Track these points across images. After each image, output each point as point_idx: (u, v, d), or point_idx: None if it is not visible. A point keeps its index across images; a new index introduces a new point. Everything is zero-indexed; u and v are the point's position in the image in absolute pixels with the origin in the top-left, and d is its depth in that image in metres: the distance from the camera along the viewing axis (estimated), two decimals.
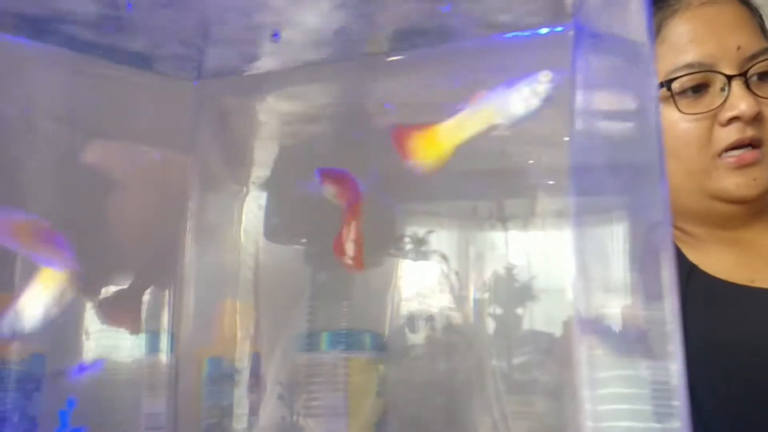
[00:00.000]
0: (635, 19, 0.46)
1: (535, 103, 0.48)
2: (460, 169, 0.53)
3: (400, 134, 0.52)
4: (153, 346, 0.61)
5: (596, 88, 0.49)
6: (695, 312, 0.66)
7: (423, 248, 0.54)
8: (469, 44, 0.56)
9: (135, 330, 0.60)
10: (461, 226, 0.54)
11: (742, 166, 0.71)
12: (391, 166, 0.52)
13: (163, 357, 0.60)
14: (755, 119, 0.71)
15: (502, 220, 0.51)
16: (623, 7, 0.47)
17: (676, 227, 0.77)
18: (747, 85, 0.71)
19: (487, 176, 0.53)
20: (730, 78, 0.71)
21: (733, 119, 0.71)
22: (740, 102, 0.70)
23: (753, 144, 0.71)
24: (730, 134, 0.71)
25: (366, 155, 0.58)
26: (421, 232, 0.54)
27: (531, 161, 0.50)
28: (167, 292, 0.62)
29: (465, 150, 0.50)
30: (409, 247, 0.55)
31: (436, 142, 0.50)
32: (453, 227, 0.54)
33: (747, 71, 0.71)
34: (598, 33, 0.49)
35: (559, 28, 0.52)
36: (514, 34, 0.54)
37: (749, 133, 0.71)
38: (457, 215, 0.54)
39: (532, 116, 0.48)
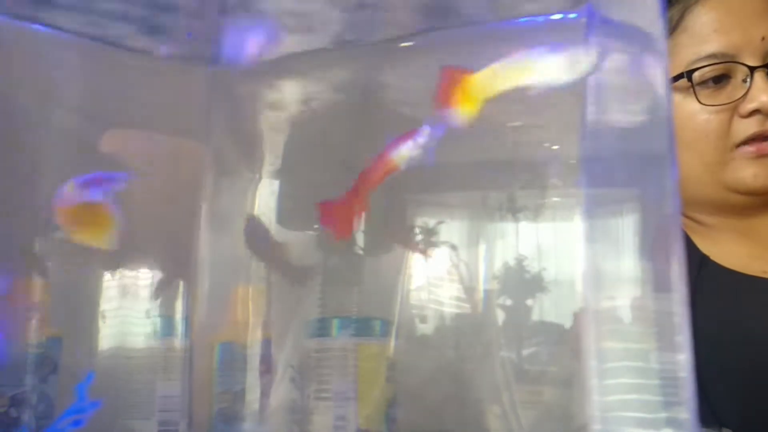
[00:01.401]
0: (649, 7, 0.47)
1: (571, 74, 0.48)
2: (471, 159, 0.54)
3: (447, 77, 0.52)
4: (168, 331, 0.62)
5: (608, 76, 0.50)
6: (706, 303, 0.67)
7: (433, 238, 0.55)
8: (481, 30, 0.56)
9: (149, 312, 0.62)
10: (471, 216, 0.55)
11: (760, 156, 0.71)
12: None
13: (178, 342, 0.62)
14: None
15: (513, 211, 0.52)
16: None
17: (688, 217, 0.77)
18: None
19: (498, 167, 0.54)
20: (752, 69, 0.71)
21: (755, 112, 0.70)
22: (762, 94, 0.70)
23: None
24: (749, 126, 0.71)
25: (380, 142, 0.59)
26: (431, 222, 0.55)
27: (542, 152, 0.51)
28: (182, 277, 0.64)
29: (476, 140, 0.51)
30: (419, 236, 0.56)
31: (469, 92, 0.51)
32: (463, 218, 0.55)
33: None
34: (611, 20, 0.50)
35: (572, 15, 0.53)
36: (527, 19, 0.54)
37: None
38: (468, 206, 0.55)
39: (565, 87, 0.49)
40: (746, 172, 0.72)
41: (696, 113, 0.72)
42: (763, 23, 0.72)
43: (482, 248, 0.53)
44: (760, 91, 0.70)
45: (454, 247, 0.54)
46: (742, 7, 0.74)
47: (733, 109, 0.72)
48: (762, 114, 0.70)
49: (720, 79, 0.72)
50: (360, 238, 0.58)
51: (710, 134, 0.72)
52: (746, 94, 0.71)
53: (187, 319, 0.62)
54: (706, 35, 0.73)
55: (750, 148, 0.71)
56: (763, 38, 0.71)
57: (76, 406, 0.53)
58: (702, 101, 0.72)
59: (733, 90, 0.72)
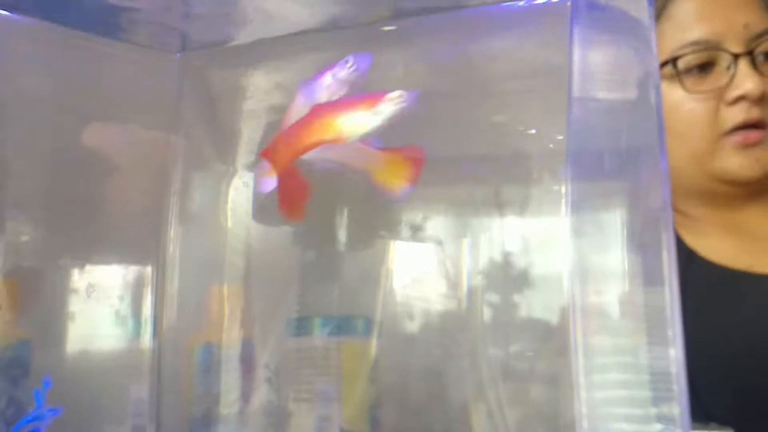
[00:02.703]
0: None
1: (339, 90, 0.48)
2: (456, 153, 0.54)
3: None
4: (136, 331, 0.61)
5: (594, 63, 0.50)
6: (693, 299, 0.68)
7: (418, 234, 0.55)
8: (464, 14, 0.56)
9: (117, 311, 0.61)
10: (457, 211, 0.55)
11: (747, 146, 0.72)
12: (389, 144, 0.52)
13: (147, 342, 0.61)
14: (761, 99, 0.71)
15: (498, 205, 0.52)
16: None
17: (676, 210, 0.78)
18: (754, 64, 0.72)
19: (484, 161, 0.54)
20: (736, 56, 0.72)
21: (740, 98, 0.71)
22: (747, 81, 0.71)
23: (758, 125, 0.72)
24: (736, 114, 0.72)
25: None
26: (416, 217, 0.55)
27: (527, 145, 0.51)
28: (150, 274, 0.63)
29: (460, 134, 0.51)
30: (403, 232, 0.56)
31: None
32: (448, 213, 0.55)
33: (754, 49, 0.72)
34: (598, 5, 0.50)
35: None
36: (510, 3, 0.54)
37: (755, 113, 0.72)
38: (453, 200, 0.55)
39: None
40: (733, 162, 0.73)
41: (682, 101, 0.73)
42: (745, 10, 0.74)
43: (467, 243, 0.53)
44: (744, 77, 0.71)
45: (438, 242, 0.54)
46: None
47: (718, 96, 0.73)
48: (747, 101, 0.71)
49: (704, 67, 0.73)
50: (341, 233, 0.58)
51: (697, 122, 0.73)
52: (731, 81, 0.72)
53: (156, 319, 0.62)
54: (689, 23, 0.74)
55: (736, 138, 0.72)
56: (745, 25, 0.73)
57: (33, 414, 0.52)
58: (687, 88, 0.73)
59: (717, 77, 0.73)
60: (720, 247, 0.75)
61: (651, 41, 0.47)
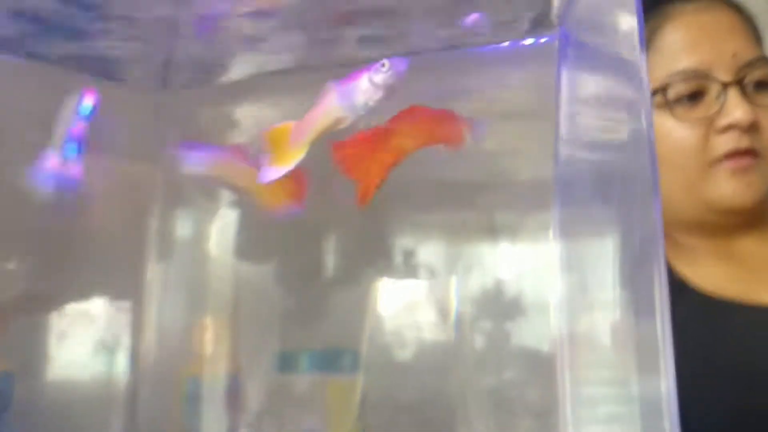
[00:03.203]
0: (625, 29, 0.48)
1: (375, 94, 0.47)
2: (449, 180, 0.54)
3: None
4: (114, 365, 0.61)
5: (584, 99, 0.51)
6: (685, 328, 0.68)
7: (409, 261, 0.55)
8: (451, 56, 0.57)
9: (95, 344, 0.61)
10: (449, 239, 0.55)
11: (737, 173, 0.73)
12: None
13: (126, 376, 0.61)
14: (751, 127, 0.73)
15: (491, 233, 0.52)
16: (612, 16, 0.49)
17: (666, 238, 0.79)
18: (743, 93, 0.73)
19: (477, 189, 0.54)
20: (726, 85, 0.73)
21: (730, 127, 0.73)
22: (736, 109, 0.72)
23: (749, 152, 0.73)
24: (726, 142, 0.73)
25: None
26: (407, 244, 0.55)
27: (520, 173, 0.52)
28: (129, 308, 0.63)
29: (453, 161, 0.52)
30: (394, 260, 0.56)
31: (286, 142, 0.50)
32: (441, 240, 0.56)
33: (743, 78, 0.74)
34: (586, 44, 0.51)
35: (543, 39, 0.54)
36: (498, 45, 0.56)
37: (745, 142, 0.73)
38: (446, 228, 0.55)
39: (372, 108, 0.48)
40: (725, 188, 0.74)
41: (673, 130, 0.75)
42: (733, 40, 0.76)
43: (459, 272, 0.54)
44: (734, 106, 0.73)
45: (430, 271, 0.54)
46: (711, 24, 0.77)
47: (709, 124, 0.74)
48: (737, 129, 0.73)
49: (695, 96, 0.75)
50: (327, 266, 0.58)
51: (688, 150, 0.74)
52: (721, 109, 0.73)
53: (134, 352, 0.61)
54: (678, 52, 0.76)
55: (728, 164, 0.73)
56: (734, 54, 0.74)
57: None
58: (678, 117, 0.74)
59: (707, 106, 0.74)
60: (711, 275, 0.75)
61: (642, 75, 0.48)
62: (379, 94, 0.46)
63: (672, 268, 0.75)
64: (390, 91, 0.46)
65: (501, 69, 0.56)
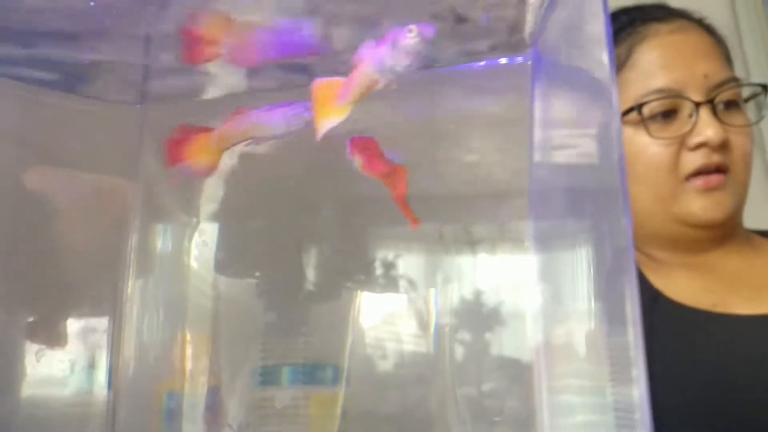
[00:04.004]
0: (596, 49, 0.50)
1: (404, 59, 0.48)
2: (427, 193, 0.56)
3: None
4: (92, 381, 0.61)
5: (556, 116, 0.53)
6: (660, 338, 0.71)
7: (389, 273, 0.57)
8: (426, 74, 0.59)
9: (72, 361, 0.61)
10: (428, 250, 0.57)
11: (708, 190, 0.77)
12: (354, 192, 0.54)
13: (103, 392, 0.61)
14: (723, 146, 0.76)
15: (469, 245, 0.54)
16: (583, 37, 0.51)
17: (641, 252, 0.82)
18: (714, 113, 0.77)
19: (454, 202, 0.56)
20: (698, 105, 0.77)
21: (701, 145, 0.76)
22: (707, 128, 0.76)
23: (719, 169, 0.77)
24: (696, 159, 0.76)
25: (326, 182, 0.60)
26: (387, 257, 0.57)
27: (497, 186, 0.53)
28: (107, 324, 0.63)
29: (431, 174, 0.53)
30: (374, 273, 0.57)
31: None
32: (420, 252, 0.57)
33: (714, 98, 0.77)
34: (558, 63, 0.53)
35: (518, 58, 0.56)
36: (472, 63, 0.58)
37: (715, 158, 0.76)
38: (424, 240, 0.57)
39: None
40: (695, 205, 0.77)
41: (646, 146, 0.78)
42: (705, 61, 0.79)
43: (438, 283, 0.55)
44: (705, 125, 0.76)
45: (410, 282, 0.56)
46: (684, 45, 0.80)
47: (681, 142, 0.77)
48: (708, 147, 0.76)
49: (668, 114, 0.78)
50: (308, 280, 0.59)
51: (660, 167, 0.77)
52: (692, 128, 0.76)
53: (111, 368, 0.62)
54: (652, 71, 0.79)
55: (698, 182, 0.77)
56: (705, 75, 0.78)
57: None
58: (652, 134, 0.77)
59: (680, 124, 0.78)
60: (685, 287, 0.78)
61: (611, 92, 0.50)
62: (406, 60, 0.47)
63: (647, 280, 0.77)
64: (417, 56, 0.47)
65: (476, 87, 0.58)
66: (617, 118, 0.50)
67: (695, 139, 0.77)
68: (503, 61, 0.57)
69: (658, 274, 0.79)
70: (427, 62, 0.58)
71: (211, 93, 0.66)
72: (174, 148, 0.56)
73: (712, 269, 0.80)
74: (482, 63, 0.57)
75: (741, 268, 0.81)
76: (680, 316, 0.75)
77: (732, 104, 0.79)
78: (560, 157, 0.52)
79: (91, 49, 0.60)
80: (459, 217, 0.55)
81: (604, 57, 0.50)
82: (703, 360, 0.72)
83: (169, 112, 0.68)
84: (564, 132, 0.52)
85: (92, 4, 0.53)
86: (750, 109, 0.81)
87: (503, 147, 0.55)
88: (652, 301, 0.75)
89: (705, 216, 0.77)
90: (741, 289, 0.78)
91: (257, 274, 0.62)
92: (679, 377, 0.70)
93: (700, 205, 0.77)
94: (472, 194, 0.56)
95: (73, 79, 0.63)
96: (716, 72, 0.79)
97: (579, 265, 0.49)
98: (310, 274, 0.61)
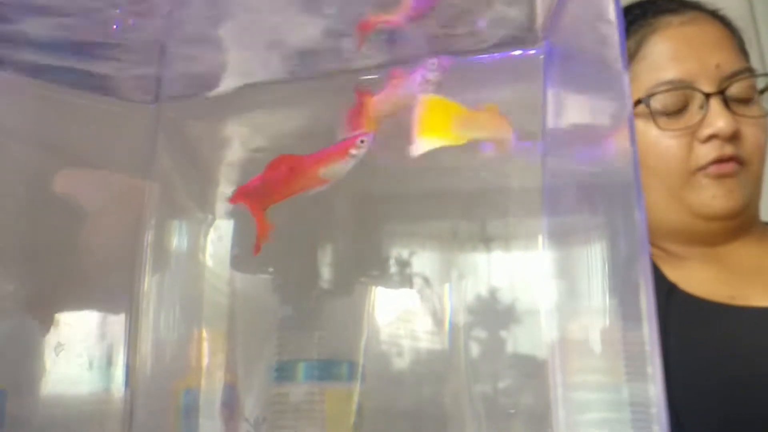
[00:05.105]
0: (607, 42, 0.51)
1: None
2: (441, 190, 0.57)
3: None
4: (109, 378, 0.63)
5: (568, 109, 0.53)
6: (675, 332, 0.71)
7: (404, 271, 0.57)
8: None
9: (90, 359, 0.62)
10: (441, 247, 0.57)
11: (720, 177, 0.76)
12: (369, 188, 0.55)
13: (120, 389, 0.62)
14: (733, 137, 0.76)
15: (483, 242, 0.54)
16: (595, 30, 0.51)
17: (655, 246, 0.82)
18: (725, 103, 0.76)
19: (469, 198, 0.57)
20: (708, 96, 0.76)
21: (712, 136, 0.76)
22: (718, 120, 0.75)
23: (732, 160, 0.76)
24: (709, 151, 0.76)
25: (342, 178, 0.61)
26: (401, 254, 0.58)
27: (512, 183, 0.54)
28: (124, 321, 0.64)
29: (446, 171, 0.54)
30: (388, 270, 0.58)
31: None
32: (434, 248, 0.58)
33: (725, 89, 0.77)
34: (571, 55, 0.54)
35: (531, 51, 0.56)
36: (486, 55, 0.58)
37: (728, 150, 0.76)
38: (438, 237, 0.57)
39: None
40: (706, 194, 0.77)
41: (657, 139, 0.78)
42: (717, 52, 0.79)
43: (453, 280, 0.56)
44: (716, 116, 0.76)
45: (425, 280, 0.56)
46: (696, 36, 0.80)
47: (692, 134, 0.77)
48: (719, 139, 0.75)
49: (678, 106, 0.77)
50: (323, 276, 0.60)
51: (672, 159, 0.77)
52: (703, 119, 0.76)
53: (128, 366, 0.63)
54: (663, 63, 0.79)
55: (711, 169, 0.76)
56: (717, 66, 0.77)
57: None
58: (662, 127, 0.77)
59: (691, 116, 0.77)
60: (700, 280, 0.78)
61: (624, 85, 0.50)
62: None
63: (662, 274, 0.77)
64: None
65: (489, 80, 0.59)
66: (629, 110, 0.51)
67: (706, 131, 0.76)
68: (516, 53, 0.57)
69: (673, 267, 0.79)
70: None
71: (224, 87, 0.66)
72: (354, 117, 0.56)
73: (729, 262, 0.80)
74: (495, 55, 0.57)
75: (758, 260, 0.80)
76: (696, 310, 0.75)
77: (746, 95, 0.79)
78: (572, 150, 0.52)
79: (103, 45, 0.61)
80: (472, 212, 0.56)
81: (617, 49, 0.50)
82: (719, 353, 0.72)
83: (184, 109, 0.69)
84: (576, 125, 0.53)
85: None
86: (766, 100, 0.81)
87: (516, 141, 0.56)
88: (667, 294, 0.75)
89: (716, 204, 0.77)
90: (759, 282, 0.77)
91: (272, 270, 0.63)
92: (695, 371, 0.70)
93: (710, 193, 0.77)
94: (485, 189, 0.56)
95: (87, 78, 0.64)
96: (728, 63, 0.78)
97: (593, 261, 0.49)
98: (325, 270, 0.61)
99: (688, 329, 0.73)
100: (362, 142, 0.52)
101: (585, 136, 0.53)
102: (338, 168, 0.53)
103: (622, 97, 0.50)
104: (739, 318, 0.74)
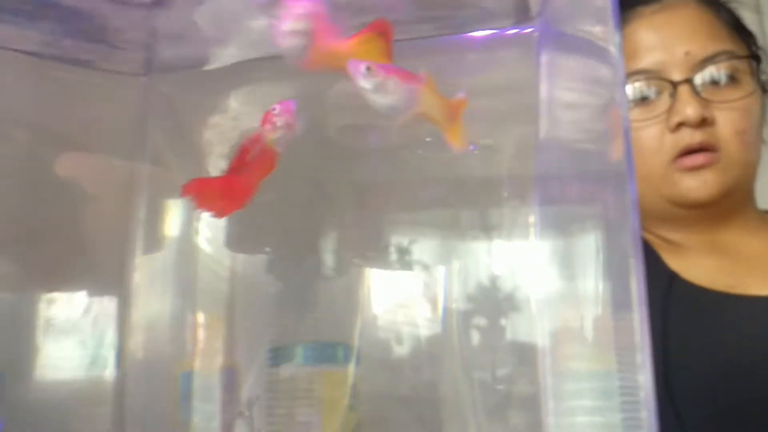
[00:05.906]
0: (602, 20, 0.50)
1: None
2: (442, 178, 0.57)
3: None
4: (101, 361, 0.63)
5: (562, 89, 0.53)
6: (676, 321, 0.72)
7: (403, 258, 0.58)
8: (434, 43, 0.59)
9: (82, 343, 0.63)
10: (443, 235, 0.58)
11: (693, 169, 0.77)
12: (367, 172, 0.55)
13: (114, 372, 0.63)
14: (705, 124, 0.77)
15: (479, 229, 0.54)
16: (588, 7, 0.50)
17: (654, 234, 0.82)
18: (694, 90, 0.76)
19: (469, 186, 0.57)
20: (676, 84, 0.76)
21: (680, 124, 0.76)
22: (686, 107, 0.76)
23: (704, 148, 0.76)
24: (679, 140, 0.77)
25: (339, 161, 0.61)
26: (401, 241, 0.58)
27: (499, 171, 0.54)
28: (114, 303, 0.65)
29: (447, 160, 0.54)
30: (387, 254, 0.58)
31: None
32: (435, 237, 0.58)
33: (694, 76, 0.77)
34: (564, 34, 0.53)
35: (526, 29, 0.56)
36: (478, 33, 0.57)
37: (698, 138, 0.77)
38: (439, 224, 0.57)
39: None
40: (682, 185, 0.78)
41: (633, 130, 0.77)
42: (687, 39, 0.79)
43: (452, 268, 0.56)
44: (683, 104, 0.77)
45: (424, 266, 0.57)
46: (666, 24, 0.81)
47: (663, 123, 0.77)
48: (688, 126, 0.76)
49: (651, 95, 0.77)
50: (320, 259, 0.60)
51: (646, 149, 0.78)
52: (671, 108, 0.76)
53: (119, 349, 0.63)
54: (634, 53, 0.80)
55: (683, 162, 0.77)
56: (686, 53, 0.78)
57: None
58: (635, 117, 0.77)
59: (662, 105, 0.77)
60: (701, 268, 0.79)
61: (618, 67, 0.50)
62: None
63: (663, 262, 0.78)
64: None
65: (484, 58, 0.58)
66: (622, 90, 0.50)
67: (674, 119, 0.77)
68: (511, 31, 0.56)
69: (675, 256, 0.79)
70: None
71: (224, 60, 0.65)
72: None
73: (729, 251, 0.81)
74: (486, 33, 0.57)
75: (758, 249, 0.81)
76: (697, 298, 0.76)
77: (724, 79, 0.78)
78: (565, 132, 0.52)
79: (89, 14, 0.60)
80: (470, 200, 0.56)
81: (610, 27, 0.50)
82: (720, 341, 0.73)
83: (178, 83, 0.69)
84: (569, 105, 0.52)
85: None
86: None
87: (510, 122, 0.55)
88: (668, 282, 0.76)
89: (691, 196, 0.78)
90: (759, 271, 0.78)
91: (268, 250, 0.63)
92: (695, 359, 0.71)
93: (686, 185, 0.78)
94: (479, 174, 0.56)
95: (74, 50, 0.63)
96: (701, 48, 0.78)
97: (586, 248, 0.49)
98: (322, 253, 0.62)
99: (689, 318, 0.74)
100: (275, 110, 0.51)
101: (577, 116, 0.53)
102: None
103: (614, 74, 0.50)
104: (737, 307, 0.75)
